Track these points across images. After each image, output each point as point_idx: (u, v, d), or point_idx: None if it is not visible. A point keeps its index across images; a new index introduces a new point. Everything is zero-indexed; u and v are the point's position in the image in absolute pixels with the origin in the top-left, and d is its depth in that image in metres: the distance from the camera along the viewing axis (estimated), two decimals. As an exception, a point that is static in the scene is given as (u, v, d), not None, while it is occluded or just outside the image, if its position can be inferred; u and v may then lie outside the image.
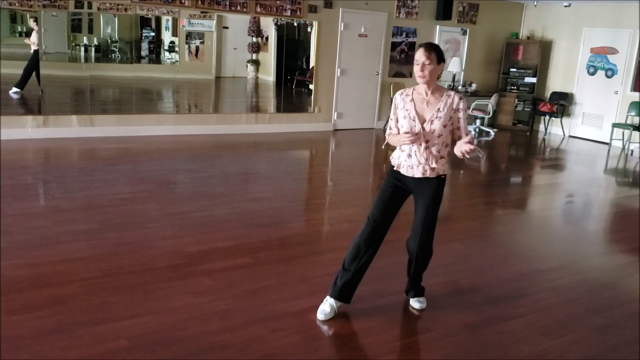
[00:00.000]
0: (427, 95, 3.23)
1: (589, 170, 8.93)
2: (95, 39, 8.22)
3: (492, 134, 11.03)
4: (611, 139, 10.30)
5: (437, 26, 10.94)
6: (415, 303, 3.60)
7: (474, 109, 10.80)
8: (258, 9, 8.91)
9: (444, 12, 10.67)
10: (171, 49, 8.83)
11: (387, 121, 3.24)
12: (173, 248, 4.24)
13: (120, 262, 3.93)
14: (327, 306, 3.35)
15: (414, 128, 3.17)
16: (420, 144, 3.19)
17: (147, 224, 4.75)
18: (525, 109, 11.78)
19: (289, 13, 9.22)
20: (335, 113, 10.23)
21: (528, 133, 11.58)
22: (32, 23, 7.60)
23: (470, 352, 3.10)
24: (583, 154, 9.92)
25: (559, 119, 11.33)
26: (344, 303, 3.38)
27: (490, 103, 10.84)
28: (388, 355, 3.01)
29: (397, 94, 3.31)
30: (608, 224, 6.16)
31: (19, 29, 7.94)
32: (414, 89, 3.28)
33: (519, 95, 11.72)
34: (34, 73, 7.86)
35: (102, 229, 4.54)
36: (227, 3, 8.66)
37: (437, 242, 4.95)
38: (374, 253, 3.38)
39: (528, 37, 11.87)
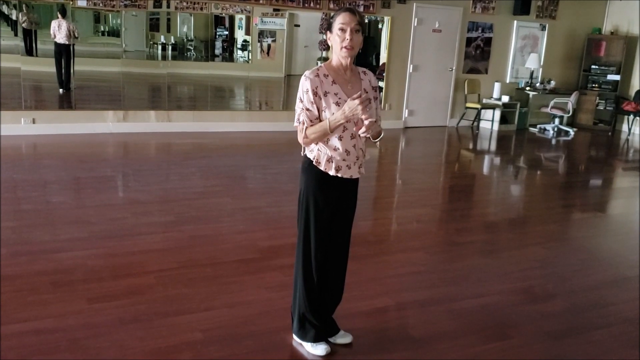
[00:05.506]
0: (346, 73, 2.62)
1: (679, 173, 8.37)
2: (172, 37, 8.44)
3: (572, 133, 10.55)
4: None
5: (515, 21, 10.57)
6: (344, 338, 2.98)
7: (552, 107, 10.37)
8: (331, 6, 8.89)
9: (522, 7, 10.31)
10: (244, 47, 8.95)
11: (300, 122, 2.59)
12: (246, 242, 4.27)
13: (195, 254, 3.99)
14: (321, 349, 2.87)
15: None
16: (358, 133, 2.54)
17: (221, 218, 4.82)
18: (607, 108, 11.20)
19: (362, 9, 9.14)
20: (407, 110, 10.08)
21: (610, 133, 11.00)
22: None
23: (553, 362, 2.94)
24: (672, 156, 9.33)
25: (644, 119, 10.70)
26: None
27: (570, 101, 10.37)
28: (464, 361, 2.90)
29: (310, 75, 2.55)
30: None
31: (102, 28, 8.25)
32: (319, 69, 2.60)
33: (600, 94, 11.16)
34: None
35: (178, 221, 4.63)
36: (301, 0, 8.69)
37: (515, 245, 4.83)
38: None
39: (612, 33, 11.26)
